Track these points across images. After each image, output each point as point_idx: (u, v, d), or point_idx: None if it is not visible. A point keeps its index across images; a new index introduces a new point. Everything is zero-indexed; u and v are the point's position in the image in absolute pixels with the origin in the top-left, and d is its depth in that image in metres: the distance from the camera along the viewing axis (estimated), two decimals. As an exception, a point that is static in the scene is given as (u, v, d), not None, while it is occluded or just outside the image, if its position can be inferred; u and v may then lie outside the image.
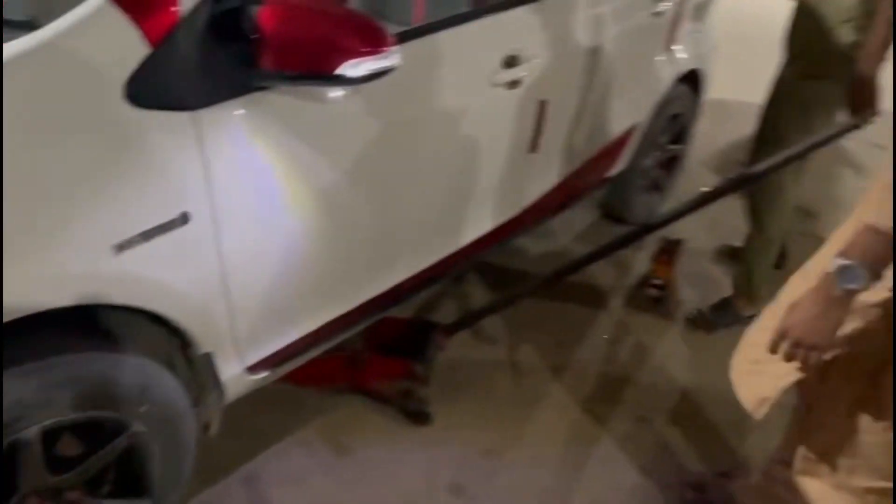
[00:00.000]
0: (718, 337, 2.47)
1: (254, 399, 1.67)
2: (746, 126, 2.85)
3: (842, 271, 1.10)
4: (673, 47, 2.77)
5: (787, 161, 1.93)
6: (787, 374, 1.37)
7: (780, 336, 1.19)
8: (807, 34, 2.26)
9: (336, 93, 1.50)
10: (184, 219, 1.30)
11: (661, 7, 2.61)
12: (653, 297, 2.60)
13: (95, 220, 1.19)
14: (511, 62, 1.92)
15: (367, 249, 1.76)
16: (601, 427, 2.05)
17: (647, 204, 3.13)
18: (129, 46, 1.21)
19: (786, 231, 2.52)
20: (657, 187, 3.17)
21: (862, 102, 2.10)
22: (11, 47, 1.12)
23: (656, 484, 1.88)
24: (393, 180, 1.75)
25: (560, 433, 2.02)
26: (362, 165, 1.63)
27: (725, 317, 2.51)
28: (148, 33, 1.22)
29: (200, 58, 1.28)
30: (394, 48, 1.35)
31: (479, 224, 2.10)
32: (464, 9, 1.89)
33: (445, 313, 2.40)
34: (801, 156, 1.96)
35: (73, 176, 1.16)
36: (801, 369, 1.27)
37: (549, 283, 2.10)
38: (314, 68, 1.33)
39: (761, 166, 1.97)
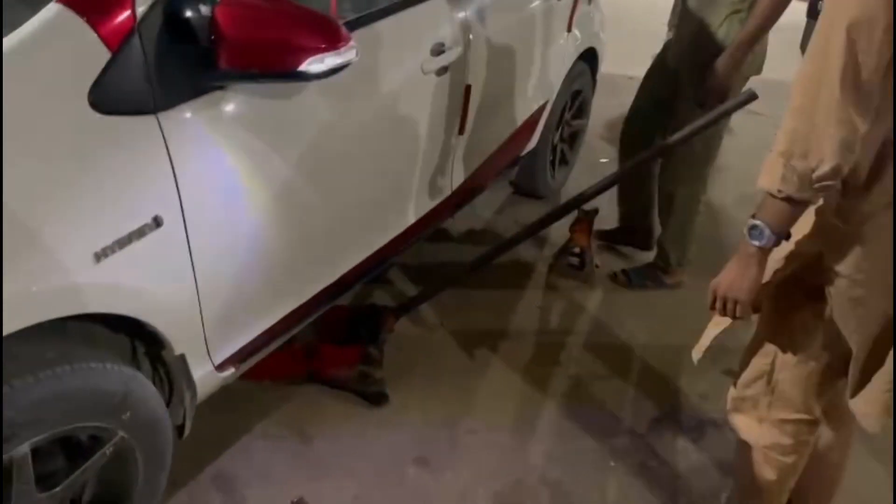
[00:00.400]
0: (638, 296, 2.68)
1: (211, 398, 1.67)
2: (630, 97, 2.99)
3: (751, 230, 1.24)
4: (573, 28, 2.94)
5: (698, 131, 2.10)
6: (717, 323, 1.56)
7: (712, 293, 1.36)
8: (689, 36, 2.38)
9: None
10: (156, 222, 1.30)
11: (561, -7, 2.77)
12: (573, 265, 2.76)
13: (74, 231, 1.17)
14: (439, 50, 2.00)
15: (320, 240, 1.80)
16: (545, 388, 2.20)
17: (555, 177, 3.31)
18: (90, 53, 1.20)
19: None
20: (563, 160, 3.36)
21: (713, 98, 2.27)
22: (-29, 59, 1.09)
23: (598, 435, 2.04)
24: (341, 168, 1.79)
25: (508, 398, 2.15)
26: (314, 156, 1.67)
27: (646, 279, 2.74)
28: (107, 39, 1.21)
29: (159, 60, 1.29)
30: (351, 43, 1.39)
31: (417, 207, 2.18)
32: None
33: (379, 298, 2.46)
34: (710, 125, 2.11)
35: (48, 188, 1.14)
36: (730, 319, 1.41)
37: (487, 259, 2.21)
38: (276, 67, 1.36)
39: (673, 138, 2.13)
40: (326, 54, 1.36)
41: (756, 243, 1.24)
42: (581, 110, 3.35)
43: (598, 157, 3.81)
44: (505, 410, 2.10)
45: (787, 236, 1.26)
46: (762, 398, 1.56)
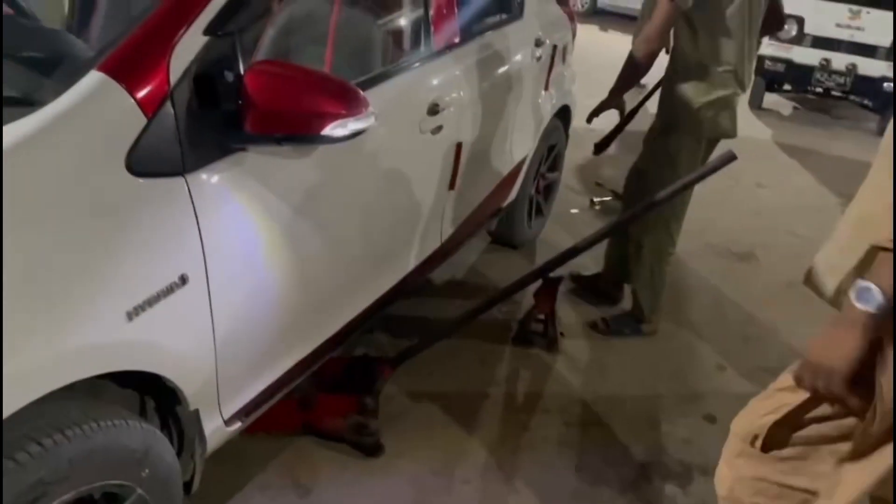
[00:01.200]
0: (615, 347, 2.78)
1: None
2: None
3: (860, 292, 1.09)
4: (550, 87, 3.08)
5: (683, 188, 2.22)
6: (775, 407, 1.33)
7: (804, 365, 1.16)
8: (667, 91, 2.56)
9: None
10: (183, 280, 1.34)
11: (539, 53, 2.92)
12: (536, 332, 2.71)
13: (110, 290, 1.20)
14: (434, 110, 2.09)
15: (325, 291, 1.84)
16: (534, 436, 2.25)
17: (531, 227, 3.42)
18: (128, 119, 1.24)
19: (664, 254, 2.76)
20: (539, 211, 3.48)
21: (627, 82, 2.46)
22: (17, 127, 1.12)
23: (590, 482, 2.10)
24: (346, 223, 1.85)
25: (499, 446, 2.19)
26: (323, 212, 1.73)
27: (624, 326, 2.84)
28: (143, 105, 1.26)
29: (189, 124, 1.34)
30: (370, 109, 1.47)
31: (411, 258, 2.24)
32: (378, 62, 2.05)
33: (369, 349, 2.49)
34: (695, 182, 2.23)
35: (86, 249, 1.17)
36: (826, 400, 1.19)
37: (477, 313, 2.29)
38: (300, 131, 1.42)
39: (661, 194, 2.26)
40: (349, 119, 1.43)
41: (862, 306, 1.08)
42: (555, 164, 3.49)
43: (568, 208, 3.95)
44: (497, 459, 2.14)
45: None
46: None
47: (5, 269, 1.05)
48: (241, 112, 1.39)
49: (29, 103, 1.19)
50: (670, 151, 2.53)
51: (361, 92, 1.47)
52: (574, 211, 3.97)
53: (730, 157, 2.06)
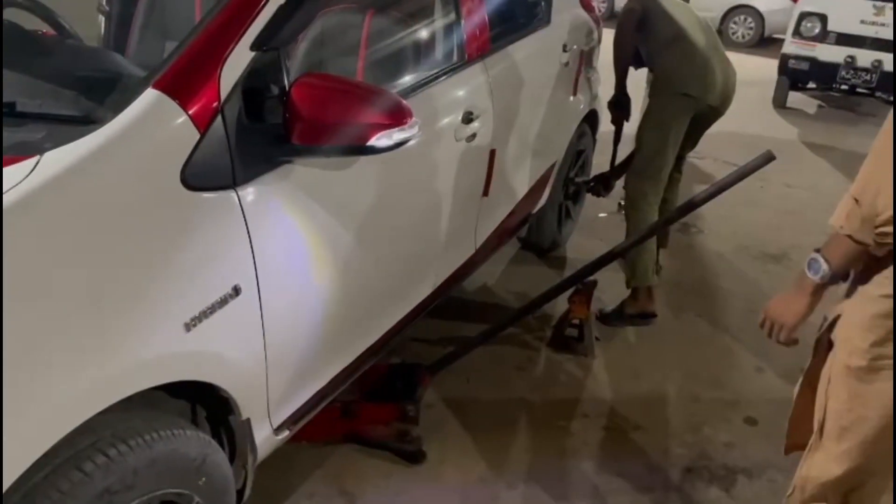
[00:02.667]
0: (648, 349, 2.77)
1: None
2: (621, 153, 3.37)
3: (810, 262, 1.32)
4: (577, 92, 3.09)
5: (720, 191, 2.23)
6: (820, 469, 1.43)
7: (763, 312, 1.43)
8: None
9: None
10: (236, 291, 1.36)
11: (566, 58, 2.93)
12: (572, 337, 2.70)
13: (169, 303, 1.23)
14: (468, 118, 2.11)
15: (368, 299, 1.86)
16: (575, 441, 2.25)
17: (561, 233, 3.42)
18: (183, 134, 1.27)
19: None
20: (568, 215, 3.48)
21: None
22: (80, 146, 1.15)
23: (634, 488, 2.09)
24: (388, 230, 1.87)
25: (541, 452, 2.19)
26: (366, 220, 1.76)
27: (613, 319, 2.87)
28: (197, 120, 1.29)
29: (239, 138, 1.37)
30: (414, 119, 1.49)
31: (448, 264, 2.26)
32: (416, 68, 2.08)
33: (407, 357, 2.51)
34: (733, 184, 2.24)
35: (146, 263, 1.20)
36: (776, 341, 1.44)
37: (513, 319, 2.30)
38: (346, 142, 1.45)
39: (700, 195, 2.26)
40: (394, 130, 1.46)
41: (811, 274, 1.31)
42: (583, 168, 3.49)
43: (596, 213, 3.94)
44: (540, 464, 2.14)
45: (844, 277, 1.32)
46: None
47: (70, 285, 1.08)
48: (287, 125, 1.41)
49: (88, 122, 1.22)
50: (652, 114, 2.85)
51: (405, 102, 1.49)
52: (602, 215, 3.96)
53: (768, 157, 2.05)
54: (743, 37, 10.86)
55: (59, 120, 1.24)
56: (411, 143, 1.54)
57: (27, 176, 1.07)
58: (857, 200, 1.20)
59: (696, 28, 2.82)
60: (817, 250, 1.32)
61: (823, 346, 1.39)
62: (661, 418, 2.39)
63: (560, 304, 2.80)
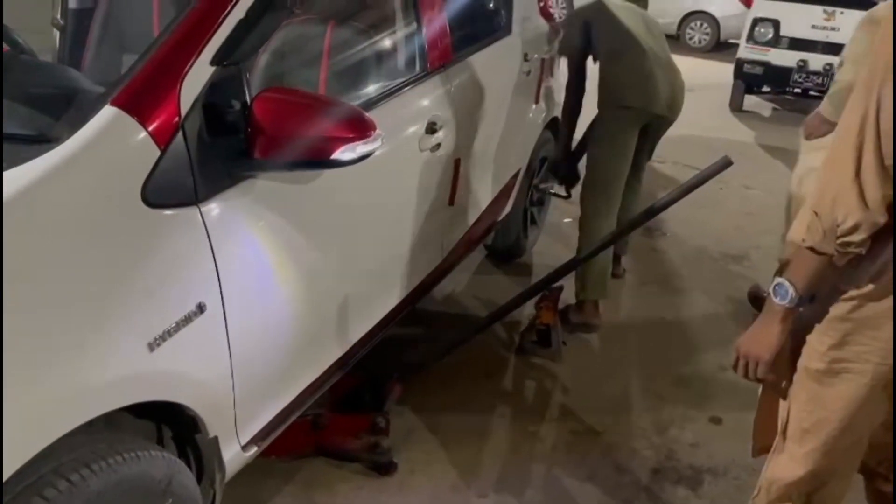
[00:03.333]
0: (622, 355, 2.81)
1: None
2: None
3: (775, 287, 1.27)
4: (540, 100, 3.13)
5: (681, 196, 2.25)
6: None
7: (735, 351, 1.38)
8: None
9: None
10: (200, 308, 1.35)
11: (527, 67, 2.96)
12: (540, 343, 2.72)
13: (131, 322, 1.21)
14: (432, 128, 2.12)
15: (333, 313, 1.86)
16: (544, 447, 2.27)
17: (526, 239, 3.45)
18: (143, 152, 1.26)
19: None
20: (533, 222, 3.51)
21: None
22: (36, 165, 1.13)
23: (604, 489, 2.12)
24: (353, 242, 1.87)
25: (510, 459, 2.20)
26: (331, 232, 1.76)
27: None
28: (156, 137, 1.28)
29: (200, 154, 1.35)
30: (378, 132, 1.49)
31: (415, 275, 2.26)
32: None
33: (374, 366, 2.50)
34: (691, 189, 2.26)
35: (107, 283, 1.18)
36: (752, 380, 1.39)
37: (488, 324, 2.30)
38: (310, 156, 1.44)
39: (659, 202, 2.29)
40: (357, 143, 1.46)
41: (778, 301, 1.27)
42: (547, 175, 3.52)
43: (561, 218, 3.98)
44: (511, 471, 2.15)
45: (812, 298, 1.28)
46: None
47: (29, 305, 1.06)
48: (249, 139, 1.41)
49: (44, 140, 1.20)
50: (597, 128, 2.86)
51: (368, 115, 1.50)
52: (567, 220, 3.99)
53: (726, 163, 2.10)
54: (700, 42, 11.09)
55: (14, 139, 1.22)
56: (376, 153, 1.55)
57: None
58: (816, 213, 1.20)
59: (642, 34, 2.79)
60: (779, 273, 1.29)
61: (784, 349, 1.41)
62: (628, 420, 2.43)
63: (527, 309, 2.82)
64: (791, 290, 1.26)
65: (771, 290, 1.29)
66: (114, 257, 1.19)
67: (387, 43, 2.21)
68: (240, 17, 1.46)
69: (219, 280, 1.38)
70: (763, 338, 1.33)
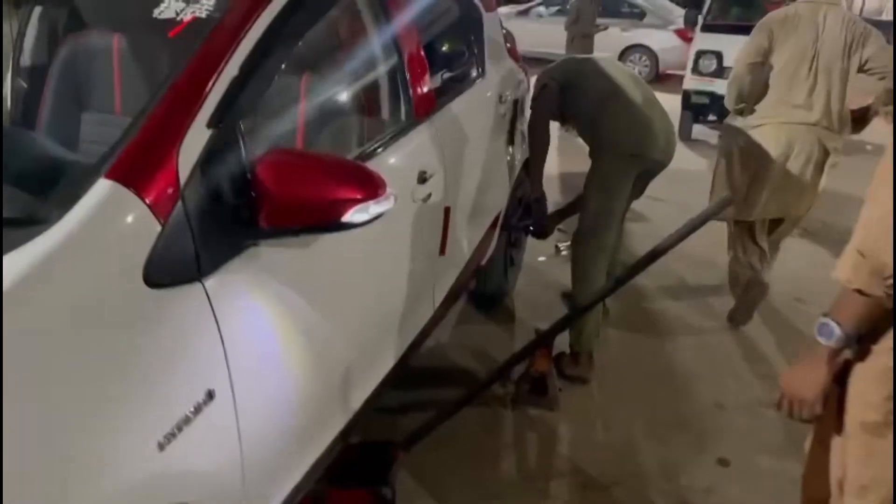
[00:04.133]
0: (619, 398, 2.74)
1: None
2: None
3: (820, 328, 1.25)
4: (514, 140, 3.09)
5: (684, 236, 2.19)
6: None
7: (780, 393, 1.34)
8: None
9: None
10: (210, 396, 1.21)
11: (502, 109, 2.92)
12: (536, 391, 2.62)
13: (140, 420, 1.08)
14: (423, 178, 2.03)
15: (338, 380, 1.73)
16: (557, 501, 2.17)
17: (507, 281, 3.37)
18: (143, 227, 1.14)
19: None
20: (512, 263, 3.44)
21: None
22: (25, 254, 0.99)
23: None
24: (355, 304, 1.76)
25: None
26: (332, 294, 1.65)
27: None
28: (156, 209, 1.16)
29: (202, 224, 1.24)
30: (389, 190, 1.40)
31: (410, 331, 2.15)
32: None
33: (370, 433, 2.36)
34: (696, 227, 2.21)
35: (111, 380, 1.05)
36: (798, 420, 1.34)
37: (493, 380, 2.21)
38: (319, 221, 1.34)
39: (665, 242, 2.19)
40: (370, 203, 1.36)
41: (824, 341, 1.24)
42: (524, 214, 3.47)
43: (536, 257, 3.93)
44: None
45: (858, 339, 1.24)
46: None
47: (31, 410, 0.92)
48: (254, 206, 1.30)
49: (32, 223, 1.06)
50: (596, 177, 2.76)
51: (378, 174, 1.40)
52: (542, 259, 3.96)
53: (728, 200, 2.06)
54: (639, 74, 11.37)
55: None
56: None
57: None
58: (861, 253, 1.17)
59: (629, 83, 2.78)
60: (825, 314, 1.25)
61: (832, 400, 1.35)
62: (636, 469, 2.34)
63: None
64: (837, 331, 1.23)
65: (816, 330, 1.26)
66: (118, 349, 1.06)
67: (371, 93, 2.12)
68: (233, 75, 1.36)
69: (226, 361, 1.25)
70: (807, 377, 1.29)
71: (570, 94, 2.85)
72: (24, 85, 2.31)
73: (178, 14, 1.46)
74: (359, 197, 1.34)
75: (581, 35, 8.09)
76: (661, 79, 11.14)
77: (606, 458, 2.38)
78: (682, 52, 11.61)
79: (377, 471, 2.01)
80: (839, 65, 2.91)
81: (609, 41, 10.33)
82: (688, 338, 3.22)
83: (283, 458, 1.52)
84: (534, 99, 2.95)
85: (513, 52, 3.36)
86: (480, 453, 2.36)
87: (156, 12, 1.47)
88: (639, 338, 3.19)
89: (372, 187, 1.37)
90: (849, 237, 1.23)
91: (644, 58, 11.49)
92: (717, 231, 4.59)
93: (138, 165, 1.16)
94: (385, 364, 2.02)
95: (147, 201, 1.14)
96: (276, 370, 1.43)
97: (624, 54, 11.35)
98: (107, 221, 1.09)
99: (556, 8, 12.07)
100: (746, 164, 3.09)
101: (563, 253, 4.04)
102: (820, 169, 3.03)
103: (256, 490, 1.41)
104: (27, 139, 1.69)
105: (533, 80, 3.38)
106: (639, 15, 11.82)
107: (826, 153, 3.00)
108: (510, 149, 3.04)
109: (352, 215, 1.34)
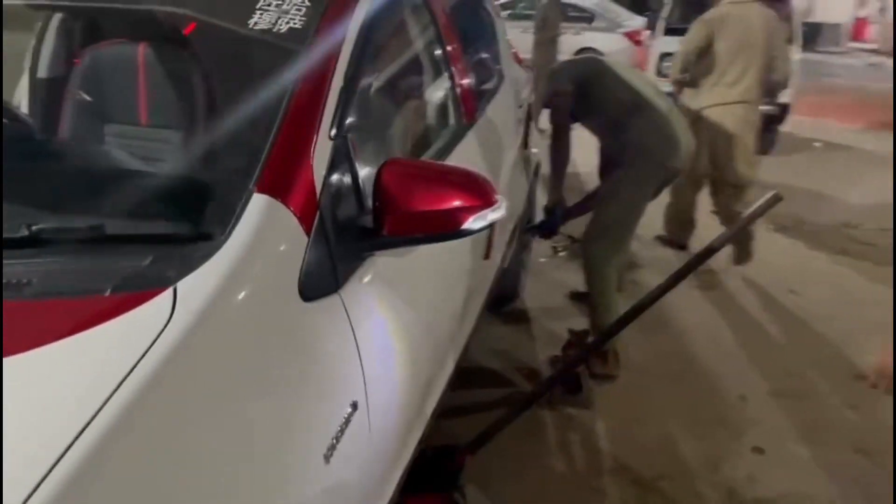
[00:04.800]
0: (648, 392, 2.81)
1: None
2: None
3: None
4: (528, 145, 3.14)
5: (733, 236, 2.23)
6: None
7: (875, 372, 1.46)
8: None
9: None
10: (354, 408, 1.21)
11: (520, 114, 2.97)
12: (569, 390, 2.67)
13: (310, 433, 1.07)
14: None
15: (425, 384, 1.73)
16: (613, 498, 2.22)
17: (519, 282, 3.42)
18: (295, 239, 1.14)
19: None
20: (522, 264, 3.49)
21: None
22: (210, 270, 0.97)
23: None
24: (439, 308, 1.80)
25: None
26: (429, 301, 1.70)
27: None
28: (303, 222, 1.15)
29: (336, 235, 1.24)
30: (501, 197, 1.42)
31: (465, 334, 2.16)
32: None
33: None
34: (745, 227, 2.30)
35: (286, 393, 1.04)
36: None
37: (554, 381, 2.25)
38: (440, 229, 1.34)
39: (716, 241, 2.21)
40: (487, 211, 1.37)
41: None
42: (531, 217, 3.52)
43: (536, 258, 3.99)
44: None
45: None
46: None
47: (221, 433, 0.91)
48: (378, 215, 1.30)
49: (196, 239, 1.04)
50: (623, 186, 2.82)
51: (490, 181, 1.42)
52: (542, 260, 4.02)
53: (776, 199, 2.12)
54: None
55: (154, 240, 1.05)
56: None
57: (172, 314, 0.89)
58: None
59: (651, 91, 2.83)
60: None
61: None
62: (679, 462, 2.41)
63: (541, 355, 2.78)
64: None
65: None
66: (288, 364, 1.05)
67: (433, 101, 2.14)
68: (341, 86, 1.36)
69: (363, 372, 1.25)
70: None
71: (585, 99, 2.88)
72: (42, 96, 2.24)
73: (273, 25, 1.44)
74: (477, 205, 1.36)
75: (548, 39, 8.22)
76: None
77: (648, 453, 2.44)
78: (631, 54, 11.99)
79: (447, 476, 2.02)
80: (761, 51, 3.67)
81: (561, 45, 10.51)
82: (699, 333, 3.32)
83: (390, 465, 1.52)
84: (547, 105, 2.99)
85: (516, 56, 3.41)
86: (527, 455, 2.39)
87: (250, 23, 1.45)
88: (653, 334, 3.27)
89: (487, 195, 1.38)
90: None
91: (595, 60, 11.71)
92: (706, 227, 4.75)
93: (283, 178, 1.15)
94: (449, 368, 2.03)
95: (297, 214, 1.13)
96: (392, 377, 1.43)
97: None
98: (269, 236, 1.08)
99: (508, 12, 12.23)
100: (698, 135, 3.38)
101: (561, 254, 4.12)
102: (745, 131, 3.75)
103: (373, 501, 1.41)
104: (102, 154, 1.64)
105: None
106: (588, 18, 12.05)
107: (748, 121, 3.77)
108: (527, 152, 3.09)
109: (471, 223, 1.36)
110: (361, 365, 1.25)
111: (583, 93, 2.88)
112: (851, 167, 6.58)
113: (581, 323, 3.04)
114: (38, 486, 0.70)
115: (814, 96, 8.95)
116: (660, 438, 2.54)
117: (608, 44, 11.68)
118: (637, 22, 12.41)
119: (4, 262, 0.97)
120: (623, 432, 2.56)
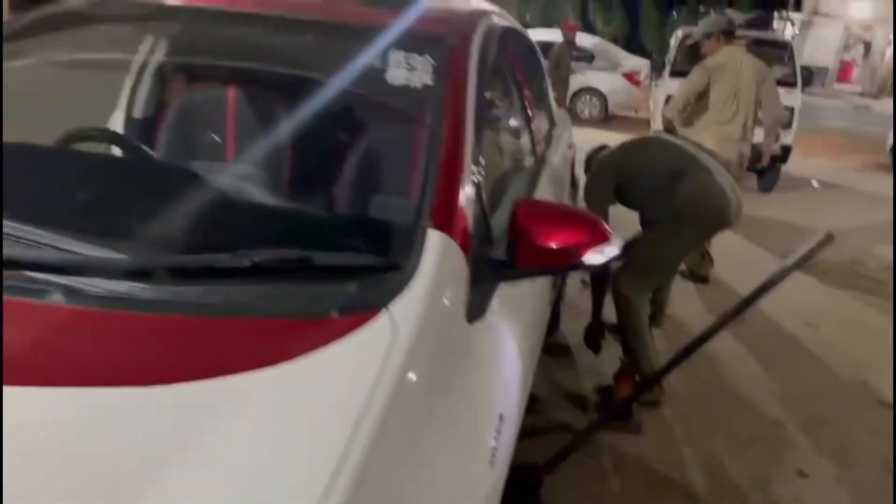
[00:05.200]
0: (687, 414, 2.97)
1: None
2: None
3: None
4: (575, 184, 3.33)
5: (785, 276, 2.39)
6: None
7: None
8: None
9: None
10: (501, 420, 1.35)
11: (570, 154, 3.16)
12: (619, 416, 2.77)
13: (476, 441, 1.21)
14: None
15: (521, 404, 1.88)
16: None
17: (557, 311, 3.58)
18: (462, 270, 1.29)
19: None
20: (560, 297, 3.65)
21: None
22: (412, 296, 1.13)
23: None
24: (529, 331, 1.93)
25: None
26: (525, 324, 1.81)
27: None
28: (465, 252, 1.31)
29: (484, 265, 1.40)
30: (615, 235, 1.59)
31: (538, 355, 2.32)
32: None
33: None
34: (796, 267, 2.37)
35: (467, 407, 1.18)
36: None
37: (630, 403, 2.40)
38: (564, 262, 1.51)
39: (769, 279, 2.33)
40: (604, 246, 1.54)
41: None
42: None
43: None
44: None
45: None
46: None
47: (432, 442, 1.05)
48: (513, 247, 1.46)
49: (386, 269, 1.19)
50: (667, 239, 2.85)
51: (604, 222, 1.59)
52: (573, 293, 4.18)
53: (829, 237, 2.27)
54: (590, 115, 11.94)
55: (349, 271, 1.20)
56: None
57: (393, 333, 1.05)
58: None
59: (699, 153, 2.88)
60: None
61: None
62: (727, 482, 2.57)
63: (586, 382, 2.93)
64: None
65: None
66: (466, 378, 1.21)
67: (518, 142, 2.33)
68: (472, 134, 1.54)
69: (504, 388, 1.41)
70: None
71: (625, 194, 2.93)
72: (136, 135, 2.39)
73: (408, 81, 1.62)
74: (593, 241, 1.53)
75: (560, 80, 8.52)
76: (609, 119, 11.75)
77: (697, 473, 2.59)
78: (629, 94, 12.35)
79: (527, 494, 2.15)
80: (752, 94, 4.32)
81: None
82: (728, 361, 3.49)
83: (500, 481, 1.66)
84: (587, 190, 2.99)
85: (557, 98, 3.62)
86: (590, 480, 2.52)
87: (388, 78, 1.63)
88: (687, 362, 3.41)
89: (602, 232, 1.55)
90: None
91: (594, 99, 12.04)
92: (748, 260, 4.90)
93: (449, 215, 1.31)
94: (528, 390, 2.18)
95: (462, 246, 1.29)
96: (518, 394, 1.58)
97: (576, 96, 11.84)
98: (447, 267, 1.24)
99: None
100: None
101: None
102: (737, 166, 4.27)
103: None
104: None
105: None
106: (588, 58, 12.39)
107: (741, 155, 4.39)
108: (573, 192, 3.28)
109: (589, 257, 1.52)
110: (504, 381, 1.40)
111: (620, 193, 2.93)
112: (850, 207, 6.86)
113: (617, 351, 3.21)
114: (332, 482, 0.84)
115: (806, 137, 9.28)
116: (706, 459, 2.69)
117: (608, 83, 12.04)
118: (633, 62, 12.84)
119: (233, 288, 1.12)
120: (670, 454, 2.71)
